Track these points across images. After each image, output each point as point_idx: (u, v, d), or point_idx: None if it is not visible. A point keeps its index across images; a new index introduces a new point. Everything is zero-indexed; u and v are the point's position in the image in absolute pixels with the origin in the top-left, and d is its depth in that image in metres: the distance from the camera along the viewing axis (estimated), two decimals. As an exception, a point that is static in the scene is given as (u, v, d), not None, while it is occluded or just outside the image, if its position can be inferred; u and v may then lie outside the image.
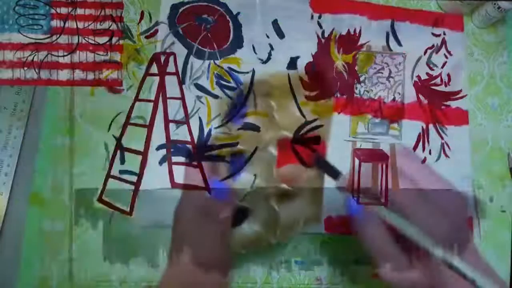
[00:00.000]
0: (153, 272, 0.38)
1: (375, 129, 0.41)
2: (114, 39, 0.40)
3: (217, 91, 0.40)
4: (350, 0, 0.42)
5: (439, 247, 0.30)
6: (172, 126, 0.39)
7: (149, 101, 0.40)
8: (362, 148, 0.41)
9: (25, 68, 0.39)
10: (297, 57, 0.41)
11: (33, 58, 0.39)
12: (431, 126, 0.41)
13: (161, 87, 0.40)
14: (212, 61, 0.40)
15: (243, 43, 0.41)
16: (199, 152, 0.39)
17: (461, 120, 0.42)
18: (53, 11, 0.40)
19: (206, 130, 0.39)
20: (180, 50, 0.40)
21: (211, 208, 0.36)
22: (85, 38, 0.40)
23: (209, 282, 0.35)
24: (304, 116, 0.40)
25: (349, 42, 0.42)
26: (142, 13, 0.41)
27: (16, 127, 0.39)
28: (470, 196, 0.41)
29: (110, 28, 0.40)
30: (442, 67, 0.42)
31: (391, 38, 0.42)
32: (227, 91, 0.40)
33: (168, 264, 0.37)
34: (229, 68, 0.40)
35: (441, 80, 0.42)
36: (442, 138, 0.41)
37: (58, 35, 0.39)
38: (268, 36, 0.41)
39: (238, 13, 0.41)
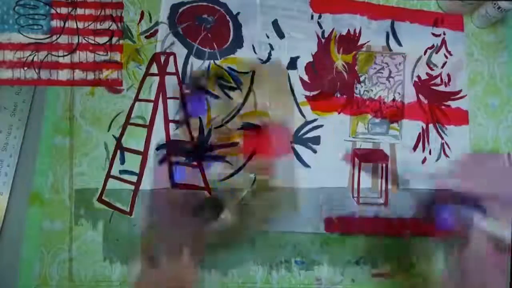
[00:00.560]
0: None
1: (375, 129, 0.41)
2: (114, 39, 0.40)
3: (217, 91, 0.40)
4: (350, 0, 0.42)
5: None
6: (172, 126, 0.40)
7: (149, 101, 0.40)
8: (362, 148, 0.41)
9: (25, 68, 0.39)
10: (297, 57, 0.41)
11: (33, 58, 0.39)
12: (431, 126, 0.41)
13: (161, 87, 0.40)
14: (212, 61, 0.40)
15: (243, 43, 0.41)
16: (199, 152, 0.39)
17: (461, 120, 0.42)
18: (53, 11, 0.40)
19: (206, 130, 0.40)
20: (180, 50, 0.40)
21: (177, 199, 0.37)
22: (85, 38, 0.40)
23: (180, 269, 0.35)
24: (304, 116, 0.40)
25: (349, 42, 0.42)
26: (142, 13, 0.41)
27: (16, 127, 0.39)
28: None
29: (110, 28, 0.40)
30: (442, 67, 0.42)
31: (391, 38, 0.42)
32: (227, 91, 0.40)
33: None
34: (229, 68, 0.40)
35: (441, 80, 0.42)
36: (442, 138, 0.41)
37: (58, 35, 0.39)
38: (268, 36, 0.41)
39: (238, 13, 0.41)
